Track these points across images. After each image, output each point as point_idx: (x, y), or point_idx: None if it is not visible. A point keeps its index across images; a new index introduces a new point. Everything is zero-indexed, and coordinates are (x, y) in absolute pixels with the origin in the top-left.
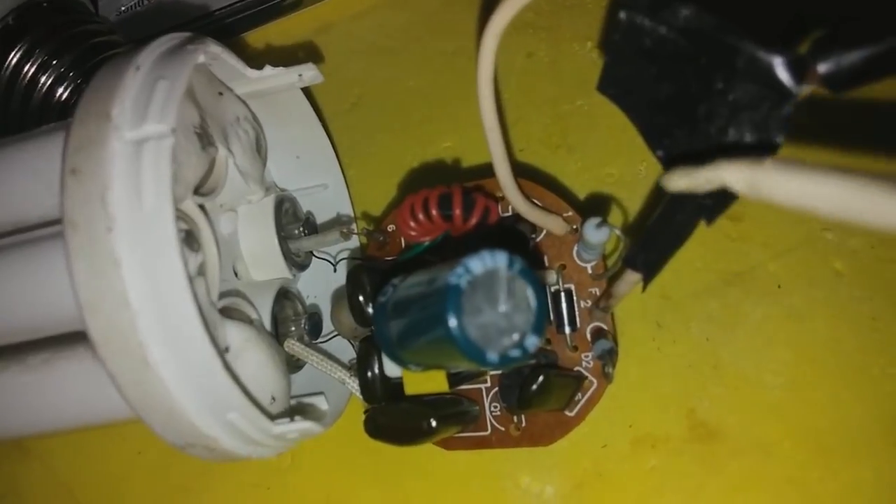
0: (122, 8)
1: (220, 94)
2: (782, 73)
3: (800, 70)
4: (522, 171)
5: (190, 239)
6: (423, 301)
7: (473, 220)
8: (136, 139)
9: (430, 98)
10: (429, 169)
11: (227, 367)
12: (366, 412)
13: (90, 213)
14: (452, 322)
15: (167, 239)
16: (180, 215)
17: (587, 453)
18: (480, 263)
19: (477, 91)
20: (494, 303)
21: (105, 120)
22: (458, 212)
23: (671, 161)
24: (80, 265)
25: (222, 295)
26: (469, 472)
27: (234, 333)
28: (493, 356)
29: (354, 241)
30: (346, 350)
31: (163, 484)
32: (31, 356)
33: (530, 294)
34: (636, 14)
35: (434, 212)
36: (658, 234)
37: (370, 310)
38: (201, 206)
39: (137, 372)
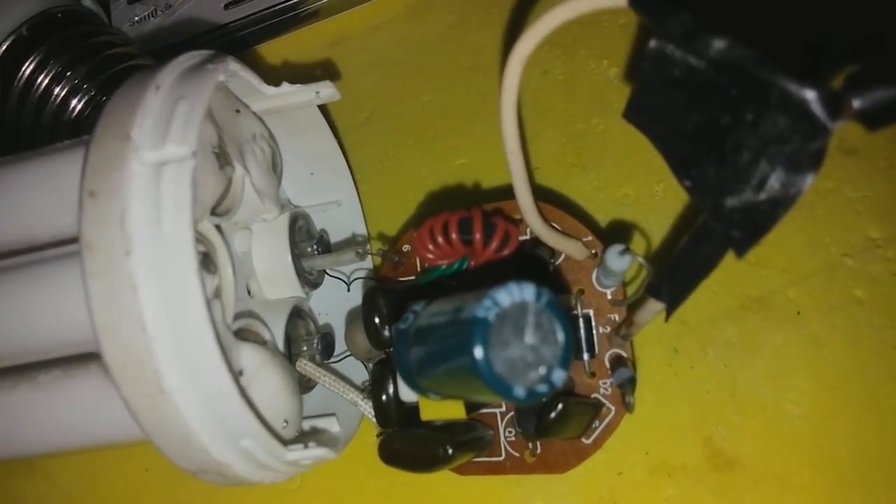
0: (136, 18)
1: (238, 111)
2: (817, 108)
3: (835, 105)
4: (537, 191)
5: (207, 261)
6: (447, 331)
7: (493, 246)
8: (156, 161)
9: (446, 114)
10: (443, 186)
11: (243, 394)
12: (378, 436)
13: (108, 235)
14: (479, 355)
15: (186, 264)
16: (197, 237)
17: (602, 481)
18: (508, 296)
19: (500, 116)
20: (521, 336)
21: (125, 141)
22: (478, 237)
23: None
24: (97, 288)
25: (237, 316)
26: (482, 497)
27: (248, 356)
28: (519, 391)
29: (368, 260)
30: (358, 371)
31: (170, 502)
32: (41, 374)
33: (557, 327)
34: (667, 44)
35: (454, 236)
36: (684, 263)
37: (386, 332)
38: (217, 227)
39: (152, 398)
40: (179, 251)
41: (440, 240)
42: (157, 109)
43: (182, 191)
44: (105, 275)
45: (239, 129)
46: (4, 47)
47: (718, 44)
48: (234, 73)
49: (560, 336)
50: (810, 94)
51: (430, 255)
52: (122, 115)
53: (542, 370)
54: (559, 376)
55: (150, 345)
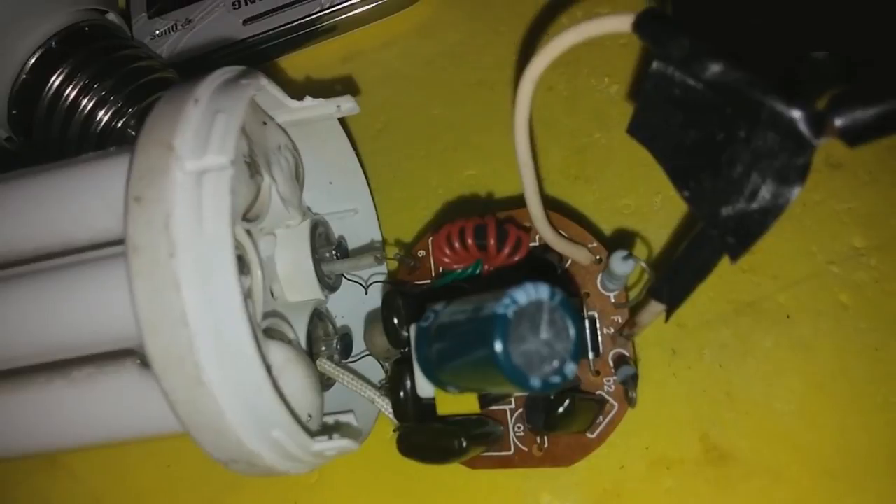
0: (157, 32)
1: (265, 123)
2: (802, 126)
3: (819, 124)
4: (543, 200)
5: (240, 263)
6: (468, 327)
7: (506, 251)
8: (197, 170)
9: (455, 127)
10: (453, 196)
11: (276, 387)
12: (396, 430)
13: (153, 238)
14: (499, 349)
15: (226, 265)
16: None
17: (606, 474)
18: (525, 295)
19: (514, 131)
20: (537, 331)
21: (167, 150)
22: (492, 242)
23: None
24: (142, 287)
25: (264, 316)
26: (491, 490)
27: (275, 353)
28: (535, 382)
29: (384, 265)
30: (374, 370)
31: (191, 498)
32: (75, 371)
33: (569, 323)
34: (667, 66)
35: (469, 241)
36: (683, 268)
37: (404, 332)
38: (247, 232)
39: (191, 390)
40: (220, 253)
41: (456, 244)
42: (196, 121)
43: (222, 197)
44: (150, 275)
45: (266, 140)
46: (34, 60)
47: (715, 67)
48: (263, 88)
49: (572, 332)
50: (797, 114)
51: (445, 259)
52: (164, 126)
53: (555, 363)
54: (571, 369)
55: (192, 339)
